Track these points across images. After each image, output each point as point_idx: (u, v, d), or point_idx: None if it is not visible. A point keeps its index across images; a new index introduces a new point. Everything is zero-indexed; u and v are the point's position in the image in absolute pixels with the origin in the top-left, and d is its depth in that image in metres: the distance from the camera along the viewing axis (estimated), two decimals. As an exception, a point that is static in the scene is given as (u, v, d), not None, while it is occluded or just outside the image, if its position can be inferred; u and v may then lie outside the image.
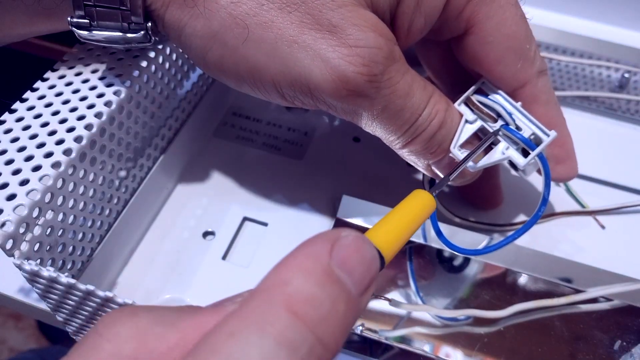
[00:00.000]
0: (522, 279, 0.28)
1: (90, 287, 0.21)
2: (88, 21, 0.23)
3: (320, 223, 0.31)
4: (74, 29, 0.24)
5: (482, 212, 0.32)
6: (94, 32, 0.24)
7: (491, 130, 0.25)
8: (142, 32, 0.23)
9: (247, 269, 0.30)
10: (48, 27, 0.25)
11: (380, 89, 0.22)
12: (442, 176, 0.26)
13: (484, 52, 0.25)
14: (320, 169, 0.34)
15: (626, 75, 0.36)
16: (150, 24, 0.23)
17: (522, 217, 0.32)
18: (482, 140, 0.25)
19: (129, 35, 0.24)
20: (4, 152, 0.23)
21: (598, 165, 0.34)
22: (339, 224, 0.30)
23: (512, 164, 0.26)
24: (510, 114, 0.25)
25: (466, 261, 0.29)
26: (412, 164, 0.27)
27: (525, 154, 0.25)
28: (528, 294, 0.28)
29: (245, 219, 0.32)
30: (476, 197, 0.32)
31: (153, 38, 0.24)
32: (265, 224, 0.32)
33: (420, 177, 0.32)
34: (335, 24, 0.22)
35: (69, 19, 0.23)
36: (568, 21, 0.40)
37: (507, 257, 0.29)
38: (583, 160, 0.29)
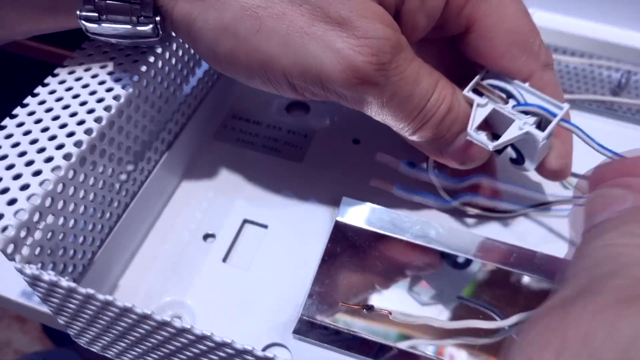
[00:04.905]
0: (525, 279, 0.28)
1: (91, 291, 0.21)
2: (97, 15, 0.24)
3: (320, 225, 0.31)
4: (82, 21, 0.24)
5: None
6: (103, 25, 0.24)
7: (503, 111, 0.26)
8: (151, 25, 0.24)
9: (248, 271, 0.30)
10: (55, 24, 0.25)
11: (389, 77, 0.23)
12: (453, 161, 0.27)
13: (487, 48, 0.26)
14: (320, 171, 0.34)
15: (626, 75, 0.36)
16: (159, 17, 0.24)
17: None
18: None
19: (139, 28, 0.24)
20: (4, 157, 0.23)
21: (598, 166, 0.34)
22: (339, 226, 0.30)
23: (515, 160, 0.26)
24: (521, 94, 0.25)
25: (468, 261, 0.29)
26: (424, 151, 0.27)
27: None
28: (530, 294, 0.28)
29: (245, 221, 0.32)
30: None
31: (161, 33, 0.24)
32: (265, 226, 0.32)
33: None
34: (344, 16, 0.22)
35: (77, 12, 0.24)
36: (568, 21, 0.40)
37: (507, 257, 0.29)
38: (583, 160, 0.29)
